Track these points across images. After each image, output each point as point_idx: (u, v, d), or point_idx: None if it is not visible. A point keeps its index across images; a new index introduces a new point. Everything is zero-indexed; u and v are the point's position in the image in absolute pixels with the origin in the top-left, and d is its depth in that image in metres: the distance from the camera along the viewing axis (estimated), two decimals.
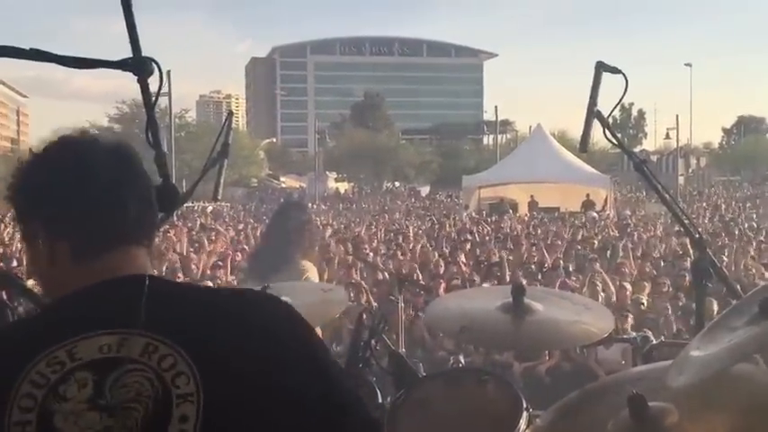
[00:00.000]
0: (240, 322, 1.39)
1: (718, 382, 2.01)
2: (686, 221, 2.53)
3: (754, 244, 16.82)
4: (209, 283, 10.03)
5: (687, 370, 1.96)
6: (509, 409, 2.42)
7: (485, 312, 2.64)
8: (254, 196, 49.33)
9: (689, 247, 15.17)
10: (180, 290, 1.51)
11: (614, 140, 2.63)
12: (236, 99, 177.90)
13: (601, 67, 2.56)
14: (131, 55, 2.01)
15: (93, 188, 1.47)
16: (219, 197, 2.74)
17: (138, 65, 2.02)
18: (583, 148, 2.59)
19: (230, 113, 2.86)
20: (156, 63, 2.01)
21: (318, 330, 4.70)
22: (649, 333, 7.68)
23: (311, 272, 4.99)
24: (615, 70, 2.58)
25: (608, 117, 2.57)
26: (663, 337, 4.03)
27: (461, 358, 2.87)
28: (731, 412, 2.04)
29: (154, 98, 2.03)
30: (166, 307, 1.39)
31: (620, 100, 2.62)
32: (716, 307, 6.41)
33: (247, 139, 66.78)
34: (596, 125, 2.61)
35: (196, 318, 1.38)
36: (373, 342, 2.69)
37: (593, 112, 2.51)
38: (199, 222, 24.02)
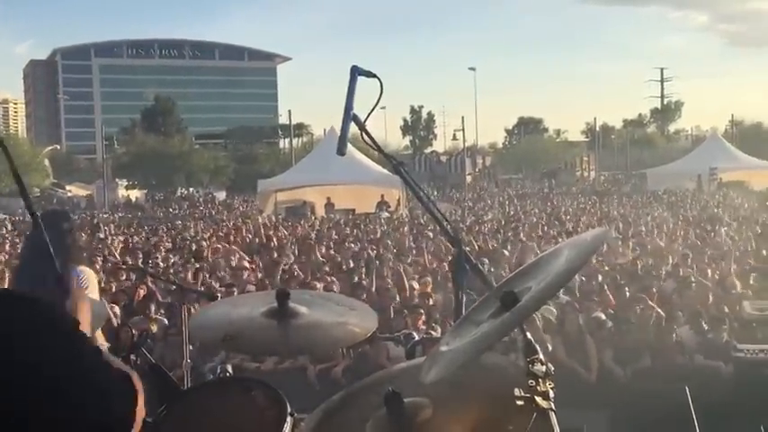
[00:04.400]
0: None
1: (468, 374, 2.10)
2: (441, 219, 2.62)
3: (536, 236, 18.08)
4: None
5: (437, 364, 2.03)
6: (274, 415, 2.40)
7: (249, 319, 2.61)
8: (37, 206, 46.41)
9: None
10: None
11: (371, 143, 2.67)
12: (15, 104, 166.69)
13: (356, 71, 2.59)
14: None
15: None
16: None
17: None
18: (340, 151, 2.61)
19: None
20: None
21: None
22: (436, 331, 7.93)
23: (85, 274, 4.76)
24: (370, 74, 2.62)
25: (365, 120, 2.61)
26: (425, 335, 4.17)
27: (229, 367, 2.80)
28: (478, 402, 2.13)
29: None
30: None
31: (376, 104, 2.66)
32: None
33: (28, 146, 62.86)
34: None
35: None
36: (133, 357, 2.58)
37: (349, 116, 2.54)
38: None
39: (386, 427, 2.09)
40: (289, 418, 2.36)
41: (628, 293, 10.55)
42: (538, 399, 1.78)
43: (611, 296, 10.47)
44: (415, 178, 2.75)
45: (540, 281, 1.95)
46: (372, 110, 2.66)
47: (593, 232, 2.45)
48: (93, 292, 4.73)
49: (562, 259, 1.98)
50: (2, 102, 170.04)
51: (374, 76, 2.64)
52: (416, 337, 2.78)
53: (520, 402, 1.79)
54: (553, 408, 1.79)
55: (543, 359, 1.89)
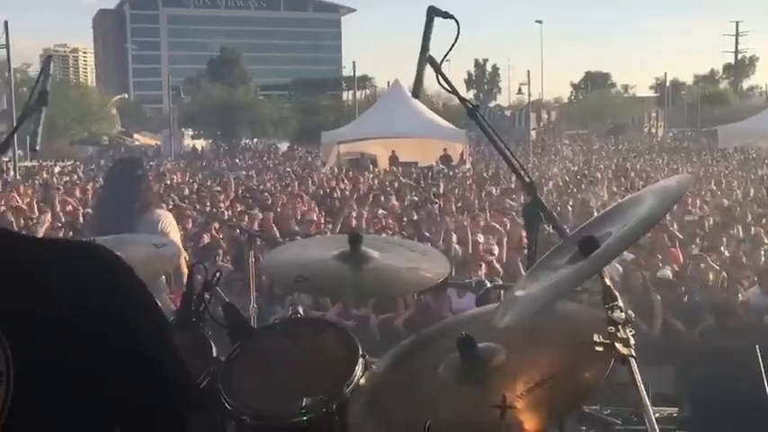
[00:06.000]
0: (61, 292, 1.24)
1: (543, 321, 2.07)
2: (517, 166, 2.57)
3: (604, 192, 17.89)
4: None
5: (512, 310, 2.00)
6: (345, 357, 2.41)
7: (321, 261, 2.61)
8: (106, 155, 47.46)
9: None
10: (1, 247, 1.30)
11: (447, 86, 2.62)
12: (84, 53, 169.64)
13: (432, 12, 2.54)
14: None
15: None
16: (38, 147, 2.56)
17: None
18: (415, 93, 2.57)
19: (48, 58, 2.67)
20: None
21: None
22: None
23: (166, 218, 4.91)
24: (447, 15, 2.57)
25: (441, 62, 2.56)
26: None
27: (300, 309, 2.81)
28: (553, 348, 2.11)
29: None
30: None
31: (453, 45, 2.60)
32: None
33: (97, 95, 64.03)
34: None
35: (13, 284, 1.22)
36: (207, 296, 2.62)
37: (425, 58, 2.50)
38: (41, 181, 22.86)
39: (459, 372, 2.08)
40: (360, 360, 2.37)
41: (695, 251, 10.37)
42: (618, 345, 1.75)
43: (679, 253, 10.29)
44: (479, 133, 2.70)
45: (621, 226, 1.90)
46: (449, 51, 2.60)
47: (679, 178, 2.38)
48: (174, 234, 4.89)
49: (645, 205, 1.92)
50: (72, 51, 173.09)
51: (451, 17, 2.59)
52: (489, 284, 2.76)
53: (599, 349, 1.76)
54: (634, 354, 1.75)
55: (622, 306, 1.85)
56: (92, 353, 1.24)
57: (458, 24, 2.60)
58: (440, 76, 2.57)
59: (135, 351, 1.29)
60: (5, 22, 30.68)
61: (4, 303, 1.20)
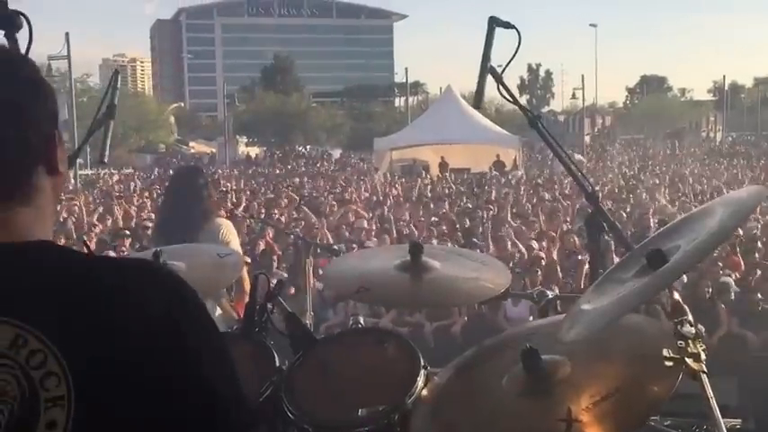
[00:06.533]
0: (122, 313, 1.22)
1: (608, 333, 2.04)
2: (579, 175, 2.55)
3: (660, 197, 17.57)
4: (112, 253, 9.75)
5: (578, 323, 1.98)
6: (407, 367, 2.41)
7: (383, 272, 2.62)
8: (162, 162, 48.28)
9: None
10: (60, 267, 1.29)
11: (508, 96, 2.61)
12: (142, 63, 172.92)
13: (494, 23, 2.53)
14: None
15: None
16: (106, 159, 2.63)
17: (4, 19, 1.91)
18: (476, 104, 2.59)
19: (116, 72, 2.73)
20: (24, 16, 1.91)
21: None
22: (554, 291, 7.83)
23: (226, 227, 4.95)
24: (508, 25, 2.56)
25: (502, 72, 2.55)
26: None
27: (361, 319, 2.82)
28: (620, 362, 2.08)
29: (25, 53, 1.90)
30: (41, 289, 1.22)
31: (514, 55, 2.60)
32: None
33: (154, 104, 65.24)
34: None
35: (73, 306, 1.22)
36: (270, 306, 2.64)
37: (486, 68, 2.50)
38: (101, 189, 23.33)
39: (523, 384, 2.06)
40: (422, 371, 2.36)
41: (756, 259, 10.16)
42: (689, 361, 1.71)
43: (740, 260, 10.07)
44: (534, 138, 2.68)
45: (691, 240, 1.87)
46: (509, 61, 2.60)
47: (750, 189, 2.32)
48: (235, 243, 4.91)
49: (715, 218, 1.88)
50: (130, 60, 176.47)
51: (512, 27, 2.58)
52: (550, 295, 2.74)
53: (669, 364, 1.73)
54: (705, 370, 1.71)
55: (692, 320, 1.81)
56: (152, 374, 1.22)
57: (519, 34, 2.59)
58: (501, 87, 2.57)
59: (195, 373, 1.28)
60: (66, 34, 31.37)
61: (63, 325, 1.19)
